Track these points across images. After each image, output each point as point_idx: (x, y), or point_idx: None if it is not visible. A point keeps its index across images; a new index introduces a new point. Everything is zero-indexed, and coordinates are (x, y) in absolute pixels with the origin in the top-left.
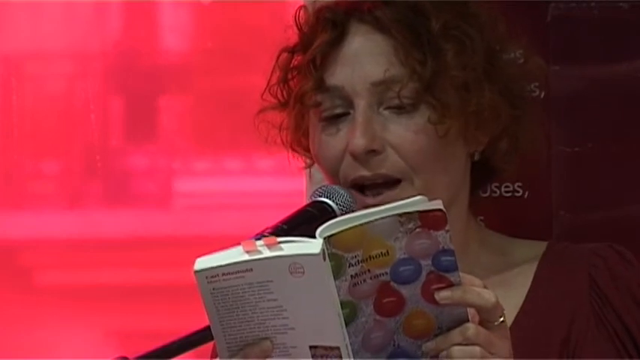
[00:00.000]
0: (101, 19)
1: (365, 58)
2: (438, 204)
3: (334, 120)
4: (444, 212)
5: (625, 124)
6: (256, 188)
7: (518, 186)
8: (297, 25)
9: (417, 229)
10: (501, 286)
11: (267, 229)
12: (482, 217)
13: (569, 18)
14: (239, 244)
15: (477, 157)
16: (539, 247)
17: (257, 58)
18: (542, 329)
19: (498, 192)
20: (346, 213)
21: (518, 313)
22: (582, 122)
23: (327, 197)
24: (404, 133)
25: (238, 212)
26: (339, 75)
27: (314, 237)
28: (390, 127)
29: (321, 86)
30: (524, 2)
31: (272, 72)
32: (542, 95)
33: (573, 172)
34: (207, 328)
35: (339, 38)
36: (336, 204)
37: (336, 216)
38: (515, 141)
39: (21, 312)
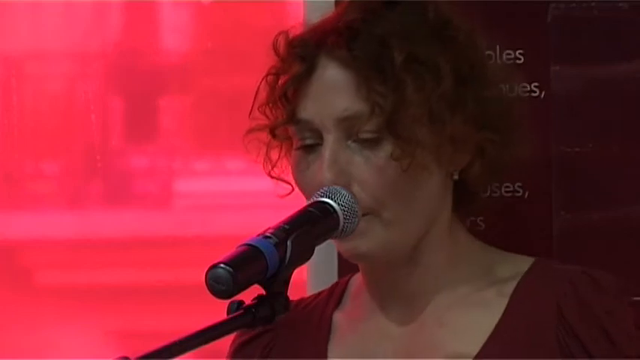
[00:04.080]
0: (101, 19)
1: (331, 94)
2: None
3: (307, 150)
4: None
5: (625, 124)
6: (257, 188)
7: (519, 186)
8: (275, 52)
9: None
10: (479, 307)
11: (268, 229)
12: (482, 218)
13: (569, 18)
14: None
15: (455, 177)
16: (523, 265)
17: (257, 58)
18: None
19: (498, 192)
20: (348, 213)
21: (487, 341)
22: (583, 122)
23: (328, 197)
24: (368, 168)
25: (239, 212)
26: (309, 109)
27: (316, 238)
28: (356, 161)
29: (292, 120)
30: (524, 2)
31: (257, 91)
32: (543, 95)
33: (574, 172)
34: (209, 329)
35: (308, 72)
36: (338, 204)
37: (337, 216)
38: (490, 164)
39: (21, 312)
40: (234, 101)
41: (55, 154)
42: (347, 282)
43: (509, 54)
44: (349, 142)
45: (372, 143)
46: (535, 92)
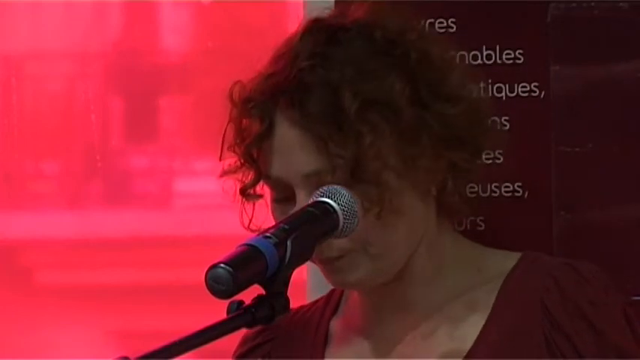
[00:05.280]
0: (101, 19)
1: (292, 152)
2: None
3: (283, 202)
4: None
5: (625, 123)
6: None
7: (518, 186)
8: (231, 102)
9: None
10: (468, 308)
11: (268, 229)
12: (482, 217)
13: (569, 18)
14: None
15: (433, 193)
16: (510, 261)
17: (257, 58)
18: None
19: (498, 192)
20: (347, 213)
21: (477, 340)
22: (582, 122)
23: (328, 197)
24: None
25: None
26: (276, 166)
27: (316, 238)
28: None
29: (261, 177)
30: (524, 2)
31: (224, 133)
32: (542, 95)
33: (573, 172)
34: (209, 328)
35: (269, 129)
36: (338, 204)
37: (337, 216)
38: (463, 176)
39: (21, 312)
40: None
41: (55, 154)
42: (343, 290)
43: (509, 54)
44: None
45: None
46: (535, 92)
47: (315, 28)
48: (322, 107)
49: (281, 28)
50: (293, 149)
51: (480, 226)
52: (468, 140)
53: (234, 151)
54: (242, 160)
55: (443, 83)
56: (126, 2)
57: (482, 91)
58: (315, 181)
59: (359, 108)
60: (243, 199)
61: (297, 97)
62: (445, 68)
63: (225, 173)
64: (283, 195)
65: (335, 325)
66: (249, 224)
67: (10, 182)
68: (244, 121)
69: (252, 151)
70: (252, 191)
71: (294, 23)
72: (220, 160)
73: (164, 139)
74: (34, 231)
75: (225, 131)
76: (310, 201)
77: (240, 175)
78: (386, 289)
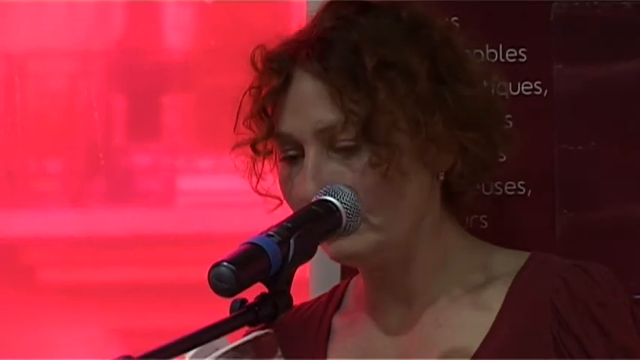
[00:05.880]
0: (104, 17)
1: (307, 106)
2: (266, 331)
3: (290, 162)
4: (274, 336)
5: (628, 122)
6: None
7: (521, 184)
8: (253, 67)
9: None
10: (474, 307)
11: (271, 227)
12: (485, 216)
13: (572, 17)
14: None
15: (441, 178)
16: (518, 260)
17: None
18: None
19: (501, 190)
20: (350, 211)
21: (485, 338)
22: (585, 121)
23: (331, 196)
24: (350, 177)
25: (242, 210)
26: (288, 122)
27: (319, 236)
28: (338, 170)
29: (272, 134)
30: (527, 1)
31: (240, 105)
32: (545, 94)
33: (576, 170)
34: (211, 327)
35: (285, 86)
36: (341, 202)
37: (340, 214)
38: (474, 163)
39: (23, 310)
40: (237, 99)
41: (58, 152)
42: (346, 285)
43: (512, 52)
44: (330, 152)
45: (351, 151)
46: (538, 90)
47: (341, 2)
48: (341, 62)
49: (284, 28)
50: (308, 103)
51: (483, 224)
52: (481, 126)
53: (249, 125)
54: (256, 116)
55: (462, 67)
56: (129, 1)
57: (498, 89)
58: (326, 137)
59: (376, 65)
60: (254, 156)
61: (317, 50)
62: (465, 56)
63: (238, 145)
64: (292, 153)
65: (338, 320)
66: (257, 185)
67: (12, 180)
68: (263, 79)
69: (267, 107)
70: (262, 147)
71: (297, 23)
72: (234, 131)
73: (167, 137)
74: (36, 229)
75: (240, 103)
76: (313, 199)
77: (250, 153)
78: (390, 277)
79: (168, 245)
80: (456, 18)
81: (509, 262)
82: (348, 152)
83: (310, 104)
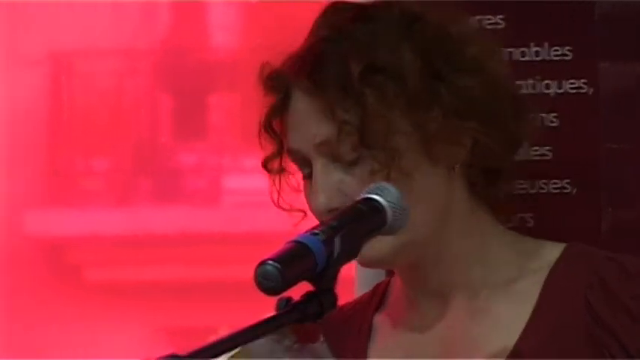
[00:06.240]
0: (150, 16)
1: (305, 122)
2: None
3: (307, 178)
4: (316, 323)
5: None
6: None
7: (567, 182)
8: (260, 83)
9: (296, 345)
10: (510, 301)
11: (317, 226)
12: (531, 214)
13: (615, 16)
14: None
15: (456, 170)
16: (553, 253)
17: None
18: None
19: (546, 188)
20: (396, 210)
21: (522, 333)
22: (631, 119)
23: (376, 194)
24: (359, 186)
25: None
26: (293, 139)
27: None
28: (346, 180)
29: (282, 151)
30: (570, 2)
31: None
32: (591, 92)
33: (622, 168)
34: (257, 325)
35: (284, 102)
36: (386, 201)
37: (385, 213)
38: (486, 153)
39: (70, 308)
40: None
41: (105, 151)
42: (387, 284)
43: (557, 50)
44: (336, 164)
45: (354, 161)
46: (583, 89)
47: (336, 8)
48: (330, 74)
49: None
50: (305, 120)
51: (529, 222)
52: (487, 113)
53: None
54: (265, 134)
55: (459, 56)
56: (175, 1)
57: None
58: (328, 150)
59: (362, 71)
60: (270, 175)
61: (307, 65)
62: (463, 42)
63: (265, 162)
64: (307, 170)
65: (378, 319)
66: (278, 199)
67: (59, 179)
68: (267, 98)
69: (273, 125)
70: (276, 165)
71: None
72: (260, 144)
73: (213, 137)
74: (82, 228)
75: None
76: (359, 198)
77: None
78: (424, 273)
79: (214, 244)
80: (501, 16)
81: (545, 253)
82: (352, 163)
83: (306, 120)
